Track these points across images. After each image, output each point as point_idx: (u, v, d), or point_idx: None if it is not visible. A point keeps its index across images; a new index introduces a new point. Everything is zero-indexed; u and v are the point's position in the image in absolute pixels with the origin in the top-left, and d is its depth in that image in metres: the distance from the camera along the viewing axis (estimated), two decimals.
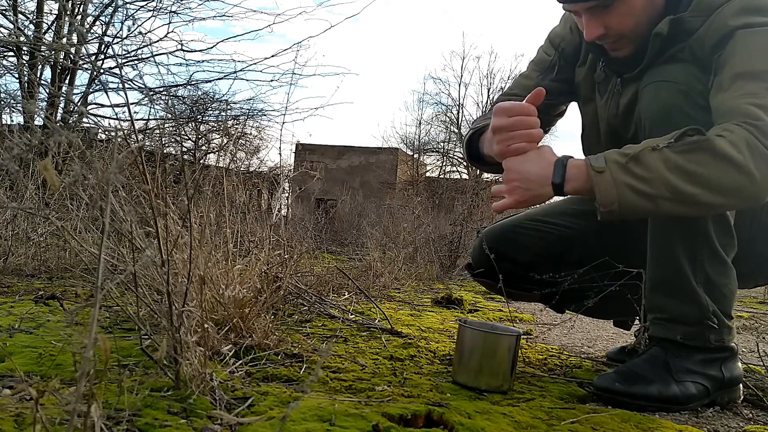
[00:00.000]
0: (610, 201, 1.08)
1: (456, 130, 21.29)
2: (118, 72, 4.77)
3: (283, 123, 4.23)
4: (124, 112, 4.74)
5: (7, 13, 4.58)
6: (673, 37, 1.21)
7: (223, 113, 5.44)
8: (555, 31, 1.50)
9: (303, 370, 1.19)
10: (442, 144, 21.48)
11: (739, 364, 1.28)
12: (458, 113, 21.39)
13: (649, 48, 1.23)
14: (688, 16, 1.19)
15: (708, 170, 1.04)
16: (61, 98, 4.57)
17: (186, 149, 5.50)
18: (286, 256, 1.60)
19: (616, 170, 1.07)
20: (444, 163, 21.19)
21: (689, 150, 1.05)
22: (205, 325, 1.10)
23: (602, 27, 1.22)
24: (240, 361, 1.17)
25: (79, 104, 4.71)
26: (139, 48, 4.78)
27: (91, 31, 4.79)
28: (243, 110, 5.40)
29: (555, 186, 1.12)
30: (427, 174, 19.50)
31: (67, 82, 4.71)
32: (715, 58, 1.15)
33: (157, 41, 5.13)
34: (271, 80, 5.42)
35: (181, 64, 7.98)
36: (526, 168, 1.16)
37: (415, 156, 19.39)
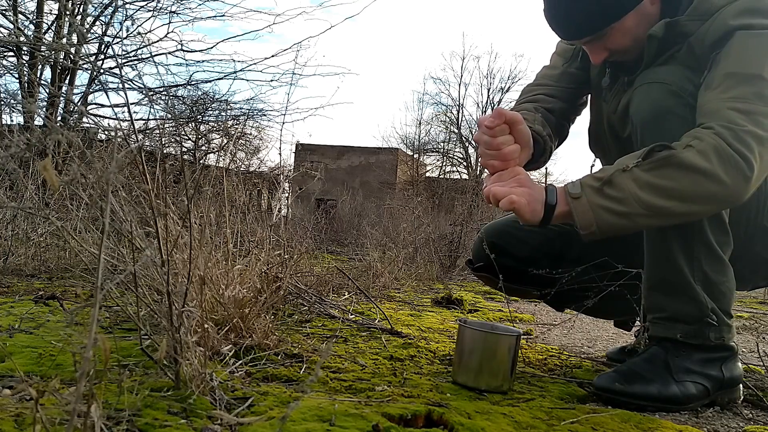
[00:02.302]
0: (589, 223, 1.12)
1: (456, 130, 21.31)
2: (118, 72, 4.76)
3: (283, 123, 4.22)
4: (124, 112, 4.75)
5: (7, 13, 4.58)
6: (669, 39, 1.23)
7: (223, 113, 5.44)
8: None
9: (303, 370, 1.19)
10: (442, 144, 21.50)
11: (739, 364, 1.28)
12: (458, 113, 21.42)
13: (645, 50, 1.25)
14: (685, 19, 1.21)
15: (677, 183, 1.08)
16: (61, 98, 4.57)
17: (186, 149, 5.49)
18: (286, 256, 1.60)
19: (591, 194, 1.12)
20: (444, 163, 21.22)
21: (657, 166, 1.09)
22: (205, 325, 1.10)
23: (604, 51, 1.29)
24: (240, 361, 1.17)
25: (79, 104, 4.71)
26: (139, 48, 4.78)
27: (91, 31, 4.79)
28: (243, 110, 5.41)
29: (548, 207, 1.15)
30: (427, 174, 19.52)
31: (67, 82, 4.70)
32: (712, 55, 1.17)
33: (157, 41, 5.14)
34: (271, 80, 5.43)
35: (181, 64, 8.01)
36: (531, 183, 1.19)
37: (415, 156, 19.41)
